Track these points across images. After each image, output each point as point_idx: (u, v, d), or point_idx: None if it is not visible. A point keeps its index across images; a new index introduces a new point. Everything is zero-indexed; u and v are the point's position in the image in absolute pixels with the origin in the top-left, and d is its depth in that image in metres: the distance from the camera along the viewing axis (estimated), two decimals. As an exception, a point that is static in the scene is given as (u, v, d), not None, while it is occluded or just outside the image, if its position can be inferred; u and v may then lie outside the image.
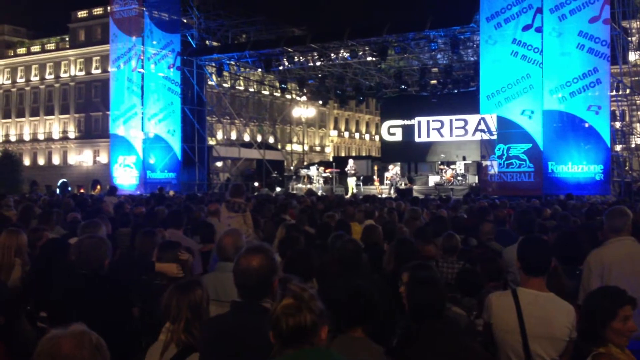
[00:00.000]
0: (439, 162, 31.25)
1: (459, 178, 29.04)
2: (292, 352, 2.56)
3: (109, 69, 35.20)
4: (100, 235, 4.93)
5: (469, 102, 29.18)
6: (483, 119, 23.86)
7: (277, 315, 2.58)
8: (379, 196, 23.37)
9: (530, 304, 3.95)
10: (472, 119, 30.42)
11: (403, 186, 29.59)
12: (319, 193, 26.53)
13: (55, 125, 71.84)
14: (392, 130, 36.91)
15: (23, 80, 73.51)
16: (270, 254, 3.37)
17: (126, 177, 31.92)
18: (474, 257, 6.48)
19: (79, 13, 69.02)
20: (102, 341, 2.31)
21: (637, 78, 35.53)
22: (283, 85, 36.43)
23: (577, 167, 22.01)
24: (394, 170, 30.40)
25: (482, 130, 24.18)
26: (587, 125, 21.91)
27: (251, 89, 55.39)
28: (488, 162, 23.53)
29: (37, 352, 2.25)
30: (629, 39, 31.82)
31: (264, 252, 3.34)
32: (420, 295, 3.49)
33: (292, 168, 41.91)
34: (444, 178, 29.30)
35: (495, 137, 23.29)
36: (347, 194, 28.08)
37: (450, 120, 34.03)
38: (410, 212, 10.50)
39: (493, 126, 23.32)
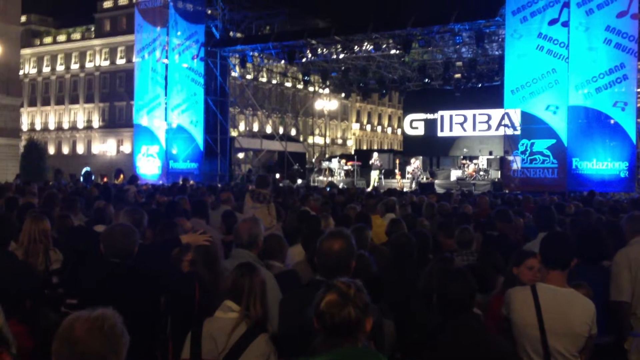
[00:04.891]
0: (462, 157, 31.07)
1: (481, 173, 28.86)
2: (338, 348, 2.63)
3: (134, 59, 35.50)
4: (129, 224, 4.97)
5: (492, 96, 28.98)
6: (507, 113, 23.68)
7: (321, 311, 2.67)
8: (401, 190, 23.31)
9: (550, 299, 3.93)
10: (496, 113, 30.20)
11: (424, 180, 29.50)
12: (340, 186, 26.53)
13: (79, 114, 72.56)
14: (414, 124, 36.76)
15: (49, 69, 74.31)
16: (349, 239, 3.75)
17: (149, 167, 32.19)
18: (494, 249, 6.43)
19: (104, 3, 69.55)
20: (118, 327, 2.34)
21: (665, 74, 34.96)
22: (306, 78, 36.40)
23: (602, 164, 21.78)
24: (415, 164, 30.30)
25: (505, 125, 24.01)
26: (612, 121, 21.67)
27: (274, 81, 55.46)
28: (511, 158, 23.36)
29: (57, 333, 2.31)
30: (658, 34, 31.30)
31: (344, 237, 3.73)
32: (448, 288, 3.50)
33: (313, 160, 41.95)
34: (466, 173, 29.13)
35: (519, 132, 23.11)
36: (368, 187, 28.04)
37: (474, 115, 33.81)
38: (426, 206, 10.55)
39: (517, 121, 23.13)
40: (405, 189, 25.50)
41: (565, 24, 22.23)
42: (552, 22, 22.44)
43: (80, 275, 4.60)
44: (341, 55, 30.09)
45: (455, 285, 3.50)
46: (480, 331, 3.47)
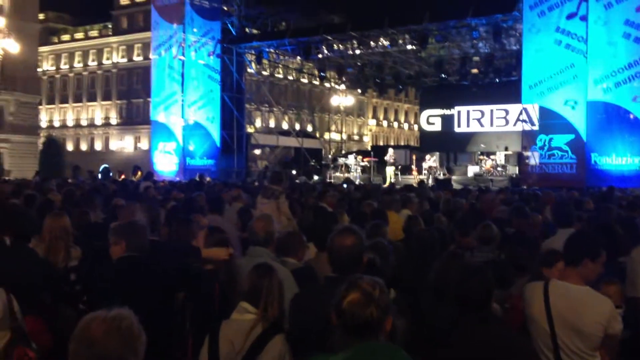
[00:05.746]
0: (479, 153, 30.87)
1: (498, 169, 28.68)
2: (358, 343, 2.60)
3: (151, 56, 35.63)
4: (139, 220, 5.01)
5: (510, 91, 28.75)
6: (525, 109, 23.53)
7: (343, 309, 2.63)
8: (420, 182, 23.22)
9: (560, 295, 3.90)
10: (514, 109, 30.00)
11: (442, 176, 29.36)
12: (357, 182, 26.50)
13: (97, 111, 73.09)
14: (431, 120, 36.61)
15: (67, 66, 74.89)
16: (360, 234, 3.82)
17: (166, 164, 32.33)
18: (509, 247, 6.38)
19: (121, 0, 69.93)
20: (135, 327, 2.32)
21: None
22: (322, 74, 36.35)
23: (621, 159, 21.56)
24: (431, 160, 30.17)
25: (523, 121, 23.85)
26: (632, 116, 21.43)
27: (290, 77, 55.54)
28: (529, 153, 23.21)
29: (73, 334, 2.30)
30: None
31: (355, 233, 3.79)
32: (467, 285, 3.49)
33: (330, 156, 41.96)
34: (483, 168, 28.96)
35: (537, 127, 22.95)
36: (384, 183, 27.96)
37: (491, 110, 33.59)
38: (444, 202, 10.51)
39: (535, 116, 22.97)
40: (421, 185, 25.35)
41: (584, 18, 22.01)
42: (570, 16, 22.23)
43: (96, 272, 4.63)
44: (357, 51, 30.01)
45: (473, 283, 3.48)
46: (497, 328, 3.46)
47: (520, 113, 24.39)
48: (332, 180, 28.10)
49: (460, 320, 3.46)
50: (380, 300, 2.64)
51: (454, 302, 3.54)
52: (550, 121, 22.54)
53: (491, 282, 3.54)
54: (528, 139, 23.45)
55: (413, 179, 29.36)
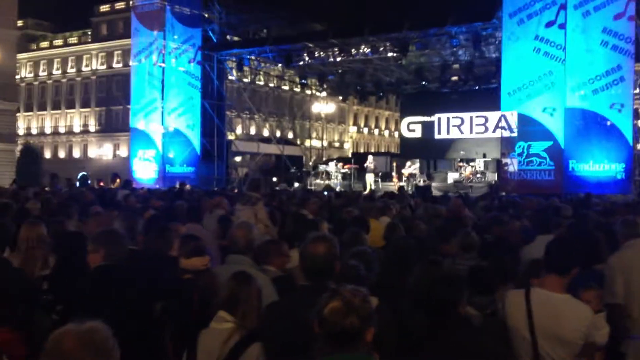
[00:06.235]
0: (458, 159, 31.06)
1: (478, 175, 28.85)
2: (339, 352, 2.60)
3: (130, 63, 35.44)
4: (116, 228, 4.96)
5: (489, 99, 28.99)
6: (504, 116, 23.68)
7: (324, 317, 2.63)
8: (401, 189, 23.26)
9: (541, 303, 3.90)
10: (493, 116, 30.23)
11: (422, 183, 29.47)
12: (337, 189, 26.49)
13: (76, 118, 72.51)
14: (411, 127, 36.77)
15: (45, 73, 74.27)
16: (333, 242, 3.81)
17: (145, 171, 32.10)
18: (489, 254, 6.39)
19: (101, 7, 69.59)
20: (109, 341, 2.28)
21: (661, 76, 34.99)
22: (303, 81, 36.38)
23: (599, 166, 21.76)
24: (412, 167, 30.25)
25: (502, 128, 24.01)
26: (609, 123, 21.64)
27: (271, 84, 55.40)
28: (508, 160, 23.36)
29: (45, 348, 2.25)
30: (654, 36, 31.33)
31: (327, 241, 3.79)
32: (434, 291, 3.50)
33: (310, 164, 41.96)
34: (462, 175, 29.12)
35: (515, 134, 23.10)
36: (365, 190, 27.97)
37: (471, 117, 33.82)
38: (423, 208, 10.53)
39: (514, 123, 23.12)
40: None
41: (562, 26, 22.21)
42: (549, 24, 22.43)
43: (70, 280, 4.56)
44: (338, 59, 30.06)
45: (441, 288, 3.50)
46: (468, 333, 3.46)
47: (500, 120, 24.56)
48: (313, 188, 28.09)
49: (430, 326, 3.47)
50: (361, 309, 2.63)
51: (423, 307, 3.56)
52: (529, 128, 22.70)
53: (459, 288, 3.56)
54: (507, 145, 23.60)
55: (394, 185, 29.43)
